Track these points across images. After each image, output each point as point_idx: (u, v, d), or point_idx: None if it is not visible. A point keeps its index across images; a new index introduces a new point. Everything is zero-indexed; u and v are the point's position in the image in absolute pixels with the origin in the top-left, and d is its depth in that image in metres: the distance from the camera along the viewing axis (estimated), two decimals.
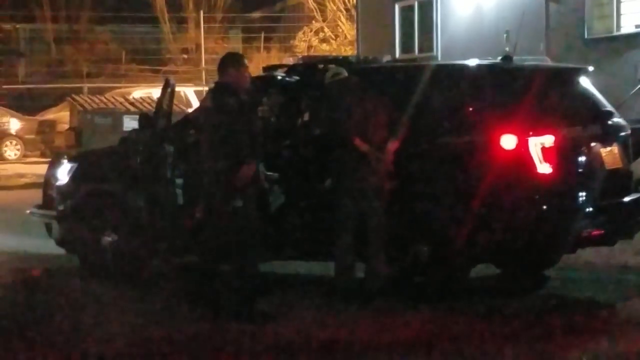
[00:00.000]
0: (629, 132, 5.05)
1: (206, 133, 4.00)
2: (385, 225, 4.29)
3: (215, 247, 3.94)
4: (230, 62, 4.04)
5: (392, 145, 4.26)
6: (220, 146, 3.73)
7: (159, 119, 4.86)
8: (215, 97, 3.90)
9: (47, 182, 5.96)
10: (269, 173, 4.21)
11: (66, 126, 16.19)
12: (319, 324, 3.72)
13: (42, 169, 8.89)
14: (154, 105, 7.14)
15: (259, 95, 4.66)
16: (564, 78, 5.28)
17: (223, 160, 3.70)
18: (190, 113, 6.41)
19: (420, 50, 12.64)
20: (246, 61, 4.29)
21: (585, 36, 10.78)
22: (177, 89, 6.83)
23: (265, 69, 5.61)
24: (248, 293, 3.79)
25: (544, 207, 4.36)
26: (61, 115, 18.04)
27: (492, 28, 10.93)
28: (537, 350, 3.39)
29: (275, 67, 5.72)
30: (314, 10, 17.35)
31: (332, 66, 4.86)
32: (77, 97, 17.00)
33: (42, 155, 17.28)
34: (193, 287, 4.48)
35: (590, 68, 5.30)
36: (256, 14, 20.60)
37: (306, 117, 4.67)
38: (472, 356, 3.22)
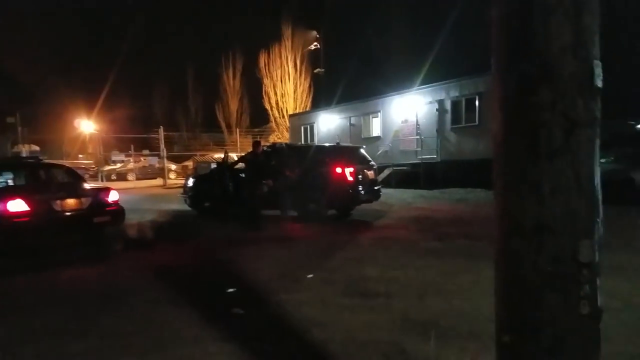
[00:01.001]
0: (375, 166, 12.30)
1: (248, 167, 10.61)
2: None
3: (252, 204, 10.48)
4: (256, 143, 10.89)
5: (297, 171, 11.35)
6: (255, 173, 10.53)
7: (223, 162, 11.63)
8: (251, 154, 10.55)
9: (184, 183, 12.35)
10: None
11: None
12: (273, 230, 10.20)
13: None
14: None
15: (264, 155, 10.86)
16: (355, 149, 12.36)
17: (256, 178, 10.40)
18: (236, 161, 11.92)
19: (309, 141, 23.70)
20: (261, 143, 11.01)
21: (362, 137, 21.48)
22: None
23: (265, 146, 12.07)
24: (257, 218, 10.25)
25: (349, 190, 10.84)
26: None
27: (334, 134, 21.71)
28: (349, 235, 8.89)
29: (267, 145, 12.13)
30: (277, 128, 33.11)
31: (280, 144, 12.34)
32: (196, 157, 33.34)
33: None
34: (234, 218, 10.67)
35: (364, 146, 12.84)
36: (258, 129, 38.83)
37: (274, 161, 11.67)
38: (331, 238, 9.17)
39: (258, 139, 11.67)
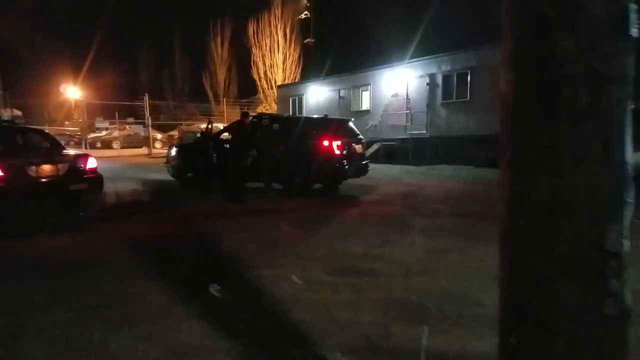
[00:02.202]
0: (364, 140, 11.91)
1: (234, 137, 10.31)
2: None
3: (236, 175, 10.09)
4: (244, 114, 10.48)
5: (283, 143, 10.71)
6: (240, 144, 10.13)
7: (207, 132, 11.24)
8: (238, 124, 10.26)
9: (168, 153, 11.90)
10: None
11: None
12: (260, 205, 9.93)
13: None
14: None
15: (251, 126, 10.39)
16: (343, 122, 11.96)
17: (241, 149, 10.04)
18: (221, 130, 11.87)
19: (298, 113, 22.98)
20: (249, 114, 10.60)
21: (351, 110, 20.87)
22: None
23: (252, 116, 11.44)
24: (241, 192, 10.02)
25: (336, 164, 10.22)
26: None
27: (323, 107, 21.22)
28: (334, 210, 8.78)
29: (253, 116, 11.40)
30: (265, 99, 33.47)
31: (266, 115, 11.96)
32: (182, 127, 32.32)
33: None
34: (217, 190, 10.31)
35: (352, 119, 12.41)
36: (246, 100, 39.79)
37: (259, 132, 11.28)
38: (316, 213, 8.70)
39: (246, 110, 11.23)
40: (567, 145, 1.13)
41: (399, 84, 20.11)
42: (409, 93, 19.64)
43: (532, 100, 1.18)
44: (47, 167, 7.95)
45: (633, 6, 1.15)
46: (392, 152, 19.04)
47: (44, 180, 7.83)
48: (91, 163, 8.67)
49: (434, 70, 18.80)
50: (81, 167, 8.46)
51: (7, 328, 3.48)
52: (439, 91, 18.61)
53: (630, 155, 1.16)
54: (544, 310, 1.17)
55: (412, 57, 20.87)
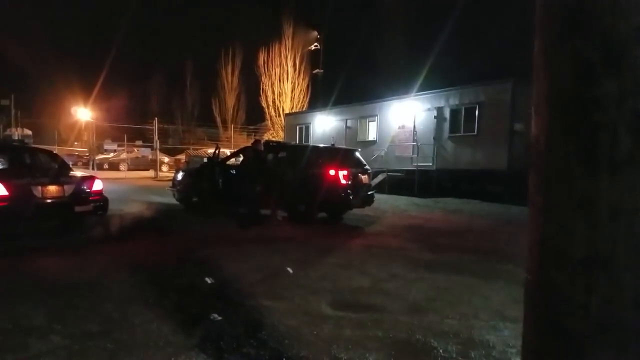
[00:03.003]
0: (370, 170, 11.96)
1: (245, 163, 10.19)
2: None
3: (246, 202, 9.86)
4: (257, 141, 10.35)
5: (289, 171, 10.86)
6: (250, 171, 10.03)
7: (214, 157, 11.17)
8: (251, 152, 10.09)
9: (174, 177, 11.85)
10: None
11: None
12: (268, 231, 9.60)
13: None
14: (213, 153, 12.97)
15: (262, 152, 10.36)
16: (350, 151, 11.92)
17: (252, 177, 9.94)
18: (228, 157, 11.91)
19: (304, 141, 23.22)
20: (262, 141, 10.57)
21: (357, 140, 20.98)
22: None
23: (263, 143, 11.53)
24: (253, 218, 9.77)
25: (341, 193, 10.16)
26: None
27: (330, 136, 21.23)
28: (339, 240, 8.41)
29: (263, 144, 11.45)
30: (272, 126, 33.52)
31: (273, 143, 11.95)
32: (189, 151, 32.45)
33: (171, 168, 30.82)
34: (222, 215, 10.39)
35: (359, 149, 12.58)
36: (253, 126, 39.76)
37: (266, 160, 11.25)
38: (320, 242, 8.27)
39: (259, 138, 11.29)
40: (605, 196, 1.06)
41: (406, 116, 20.19)
42: (416, 125, 19.70)
43: (568, 146, 1.11)
44: (53, 188, 7.98)
45: None
46: (398, 184, 18.92)
47: (49, 200, 7.85)
48: (97, 185, 8.66)
49: (441, 104, 18.88)
50: (87, 189, 8.46)
51: (1, 353, 3.37)
52: (447, 125, 18.64)
53: None
54: None
55: (420, 90, 21.04)
